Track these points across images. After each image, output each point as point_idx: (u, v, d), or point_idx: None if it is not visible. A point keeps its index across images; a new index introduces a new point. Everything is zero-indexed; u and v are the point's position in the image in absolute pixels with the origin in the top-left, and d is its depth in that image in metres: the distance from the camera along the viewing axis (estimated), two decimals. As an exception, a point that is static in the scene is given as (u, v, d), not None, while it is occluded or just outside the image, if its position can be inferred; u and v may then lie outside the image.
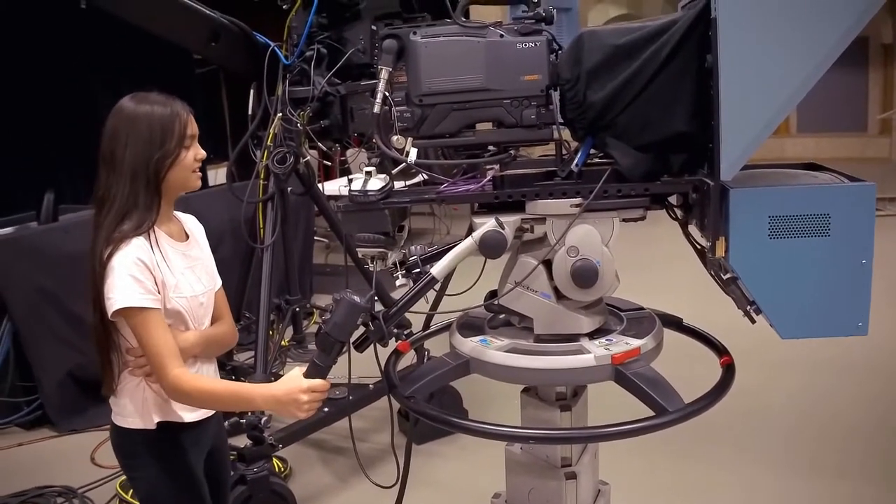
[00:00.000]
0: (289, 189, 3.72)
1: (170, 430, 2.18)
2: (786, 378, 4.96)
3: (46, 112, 8.49)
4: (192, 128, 2.15)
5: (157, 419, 2.16)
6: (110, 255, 2.01)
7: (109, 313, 2.01)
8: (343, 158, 3.88)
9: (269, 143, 3.57)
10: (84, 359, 5.04)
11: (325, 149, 3.69)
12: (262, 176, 3.67)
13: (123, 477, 4.07)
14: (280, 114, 3.40)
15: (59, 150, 8.51)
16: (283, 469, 4.04)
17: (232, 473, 3.41)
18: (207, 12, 3.45)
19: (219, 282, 2.34)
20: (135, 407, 2.17)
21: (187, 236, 2.26)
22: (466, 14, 1.97)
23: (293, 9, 3.39)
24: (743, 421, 4.38)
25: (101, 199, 2.09)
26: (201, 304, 2.21)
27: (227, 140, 10.68)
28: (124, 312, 2.01)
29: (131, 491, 3.93)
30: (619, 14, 16.00)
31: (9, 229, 5.50)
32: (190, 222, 2.31)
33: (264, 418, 3.40)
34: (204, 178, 8.39)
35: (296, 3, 3.36)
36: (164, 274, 2.07)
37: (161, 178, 2.09)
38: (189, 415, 2.20)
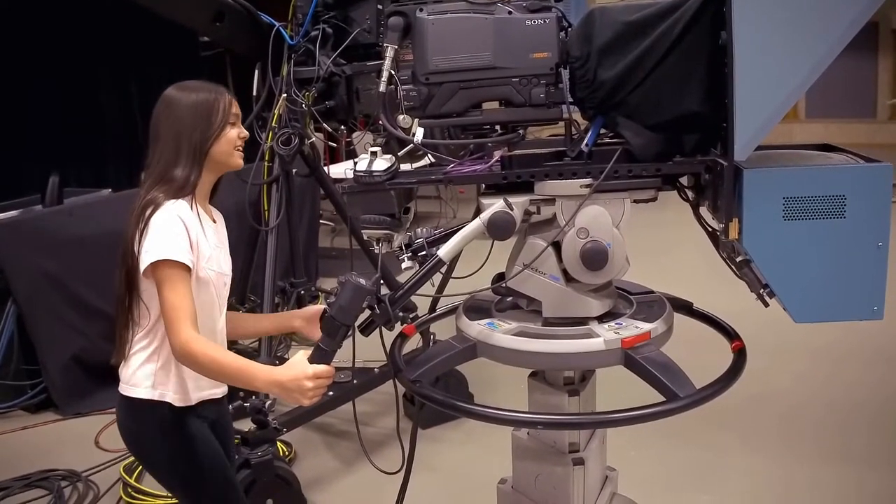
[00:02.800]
0: (294, 171, 3.68)
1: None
2: (792, 362, 4.92)
3: (52, 96, 8.50)
4: (236, 107, 2.24)
5: (167, 397, 2.18)
6: (152, 213, 2.05)
7: (142, 267, 2.03)
8: (349, 140, 3.84)
9: (273, 124, 3.53)
10: (88, 342, 5.05)
11: (330, 130, 3.66)
12: (266, 158, 3.64)
13: (128, 460, 4.08)
14: (284, 94, 3.36)
15: (65, 134, 8.51)
16: (287, 453, 4.03)
17: (236, 457, 3.43)
18: (212, -10, 3.42)
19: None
20: (145, 377, 2.19)
21: (215, 221, 2.30)
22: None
23: (298, -14, 3.35)
24: (750, 406, 4.34)
25: (147, 172, 2.17)
26: (225, 283, 2.27)
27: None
28: (158, 265, 2.01)
29: (135, 474, 3.95)
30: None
31: (14, 212, 5.48)
32: (215, 212, 2.35)
33: (268, 402, 3.38)
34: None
35: (302, -19, 3.33)
36: (199, 242, 2.11)
37: (205, 151, 2.16)
38: (197, 394, 2.22)
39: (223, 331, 2.30)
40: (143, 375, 2.19)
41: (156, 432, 2.21)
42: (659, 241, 5.51)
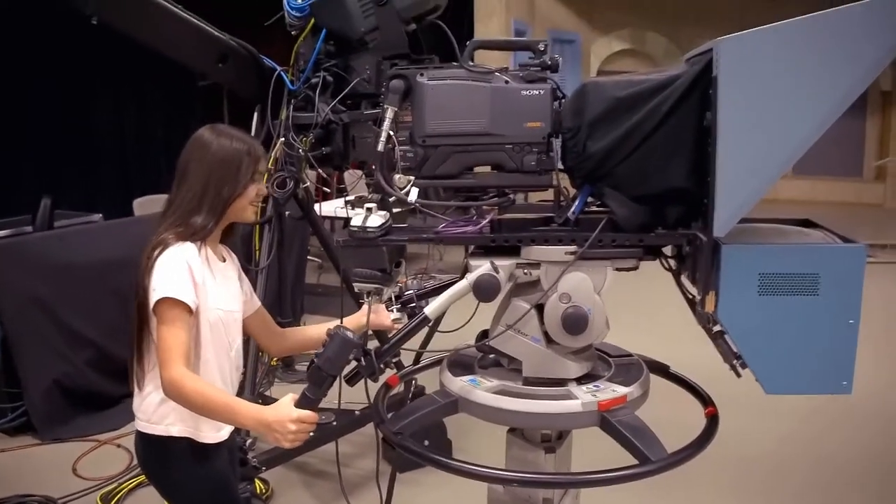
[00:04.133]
0: (287, 213, 3.74)
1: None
2: (774, 424, 4.97)
3: (47, 117, 8.55)
4: (262, 165, 2.31)
5: (195, 435, 2.25)
6: (160, 253, 2.12)
7: (152, 304, 2.09)
8: (340, 180, 3.93)
9: (269, 166, 3.59)
10: (72, 368, 5.06)
11: (325, 175, 3.73)
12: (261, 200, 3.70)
13: (106, 489, 4.10)
14: (282, 138, 3.43)
15: (59, 156, 8.56)
16: (264, 491, 4.04)
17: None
18: (216, 34, 3.49)
19: (257, 301, 2.51)
20: (181, 413, 2.22)
21: (224, 260, 2.37)
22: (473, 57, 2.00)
23: (302, 35, 3.41)
24: (729, 466, 4.39)
25: (168, 210, 2.25)
26: (235, 320, 2.32)
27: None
28: (160, 303, 2.08)
29: (113, 502, 3.96)
30: (623, 48, 16.15)
31: (4, 232, 5.52)
32: (225, 251, 2.42)
33: (249, 440, 3.41)
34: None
35: (305, 30, 3.39)
36: (206, 283, 2.17)
37: (227, 205, 2.23)
38: (227, 429, 2.32)
39: (233, 370, 2.36)
40: (163, 413, 2.24)
41: (180, 469, 2.28)
42: (648, 298, 5.59)
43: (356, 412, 3.94)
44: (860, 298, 1.80)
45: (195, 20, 3.40)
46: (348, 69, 3.40)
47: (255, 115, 3.71)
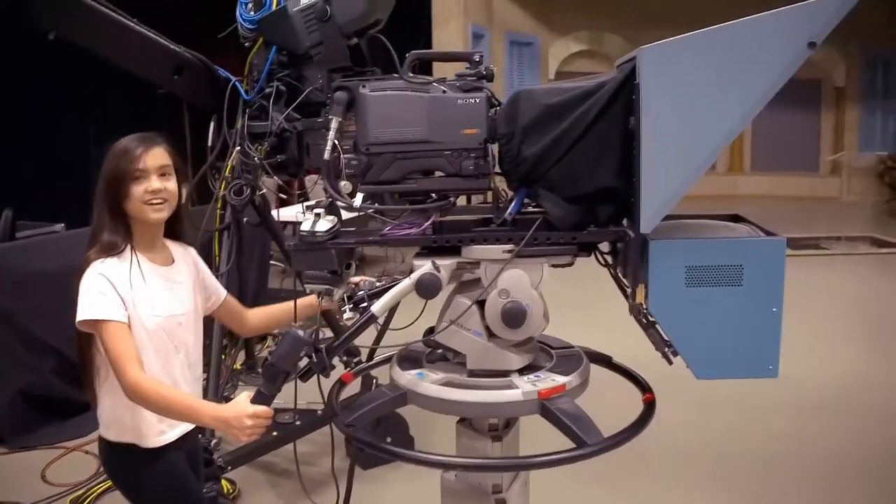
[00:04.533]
0: (245, 219, 3.82)
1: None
2: (716, 413, 5.14)
3: (5, 127, 8.51)
4: (144, 162, 2.28)
5: (133, 439, 2.35)
6: (80, 274, 2.22)
7: (77, 320, 2.20)
8: (300, 185, 4.00)
9: (226, 174, 3.67)
10: (37, 377, 5.11)
11: (281, 182, 3.81)
12: (219, 206, 3.78)
13: (75, 493, 4.15)
14: (238, 147, 3.51)
15: (19, 165, 8.52)
16: (231, 490, 4.11)
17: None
18: (172, 47, 3.57)
19: (221, 293, 2.59)
20: (121, 423, 2.35)
21: (173, 261, 2.43)
22: (419, 69, 2.10)
23: (255, 46, 3.49)
24: (673, 454, 4.55)
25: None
26: (179, 324, 2.38)
27: (188, 161, 10.80)
28: (87, 324, 2.19)
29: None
30: (580, 49, 16.33)
31: (-36, 243, 5.55)
32: (181, 250, 2.49)
33: (214, 440, 3.49)
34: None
35: (258, 41, 3.47)
36: (136, 293, 2.24)
37: (118, 210, 2.28)
38: (172, 432, 2.40)
39: (184, 369, 2.43)
40: (111, 420, 2.36)
41: (130, 471, 2.40)
42: (597, 291, 5.74)
43: (318, 412, 4.03)
44: (782, 288, 1.90)
45: (150, 34, 3.47)
46: (301, 79, 3.48)
47: (212, 124, 3.78)
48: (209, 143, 3.76)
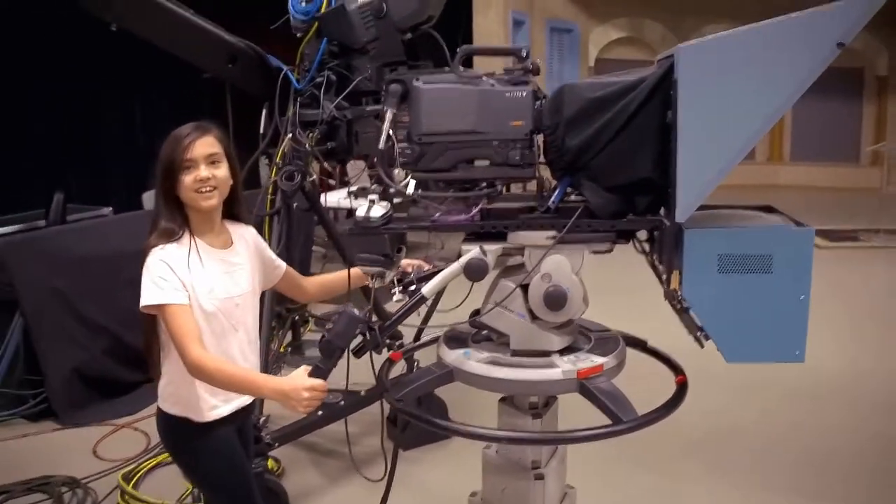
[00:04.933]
0: (294, 205, 3.96)
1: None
2: (752, 400, 5.23)
3: (56, 112, 8.72)
4: (192, 152, 2.39)
5: (187, 413, 2.50)
6: (144, 259, 2.35)
7: (141, 305, 2.33)
8: (344, 172, 4.13)
9: (278, 160, 3.82)
10: (90, 356, 5.31)
11: (329, 169, 3.95)
12: (270, 191, 3.92)
13: (125, 469, 4.32)
14: (290, 134, 3.65)
15: (68, 150, 8.74)
16: (276, 468, 4.26)
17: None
18: (226, 37, 3.72)
19: (282, 266, 2.76)
20: (177, 396, 2.50)
21: (232, 243, 2.55)
22: (466, 63, 2.21)
23: (307, 37, 3.63)
24: (709, 439, 4.65)
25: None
26: (237, 305, 2.51)
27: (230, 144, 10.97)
28: (151, 308, 2.32)
29: (132, 482, 4.19)
30: (620, 36, 16.31)
31: (17, 226, 5.75)
32: (241, 231, 2.61)
33: (263, 418, 3.64)
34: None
35: (309, 32, 3.60)
36: (195, 277, 2.37)
37: (173, 197, 2.41)
38: (225, 408, 2.54)
39: (242, 347, 2.57)
40: (168, 393, 2.52)
41: (184, 442, 2.57)
42: (635, 281, 5.83)
43: (361, 393, 4.17)
44: (810, 276, 1.98)
45: (206, 24, 3.62)
46: (350, 68, 3.62)
47: (264, 112, 3.93)
48: (261, 130, 3.90)
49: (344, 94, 3.49)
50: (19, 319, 5.10)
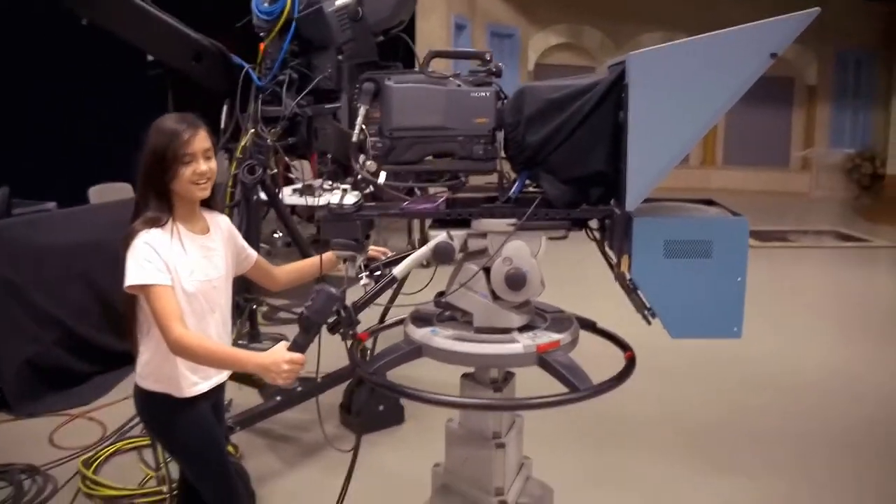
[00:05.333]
0: (254, 197, 4.10)
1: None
2: (684, 387, 5.59)
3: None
4: (192, 146, 2.54)
5: (167, 389, 2.62)
6: (128, 242, 2.48)
7: (125, 285, 2.46)
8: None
9: (238, 154, 3.95)
10: (42, 348, 5.36)
11: (290, 163, 4.10)
12: (230, 184, 4.06)
13: (84, 456, 4.39)
14: (252, 129, 3.79)
15: (13, 144, 8.67)
16: (234, 453, 4.39)
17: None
18: (193, 35, 3.85)
19: (253, 254, 2.88)
20: (158, 374, 2.63)
21: (209, 230, 2.69)
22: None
23: (269, 36, 3.77)
24: (651, 420, 4.92)
25: (135, 197, 2.58)
26: (214, 287, 2.66)
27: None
28: (135, 288, 2.46)
29: (93, 467, 4.27)
30: (560, 42, 16.66)
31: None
32: (216, 218, 2.75)
33: (225, 402, 3.76)
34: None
35: (272, 32, 3.75)
36: (177, 259, 2.51)
37: (166, 189, 2.54)
38: (204, 384, 2.68)
39: (218, 327, 2.71)
40: (148, 371, 2.64)
41: (164, 417, 2.69)
42: (587, 271, 6.09)
43: (318, 379, 4.31)
44: (746, 260, 2.18)
45: (175, 23, 3.75)
46: (311, 67, 3.77)
47: (224, 108, 4.06)
48: (222, 126, 4.02)
49: (306, 91, 3.64)
50: (-30, 311, 5.10)
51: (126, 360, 5.75)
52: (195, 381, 2.67)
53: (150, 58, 10.01)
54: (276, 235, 7.73)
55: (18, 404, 5.17)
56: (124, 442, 4.58)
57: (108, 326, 5.79)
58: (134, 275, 2.45)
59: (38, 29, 8.23)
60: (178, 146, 2.52)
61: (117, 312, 5.69)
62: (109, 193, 7.54)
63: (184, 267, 2.54)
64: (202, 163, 2.56)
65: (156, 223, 2.52)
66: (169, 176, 2.53)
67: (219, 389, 2.83)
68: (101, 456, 4.43)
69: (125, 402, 5.15)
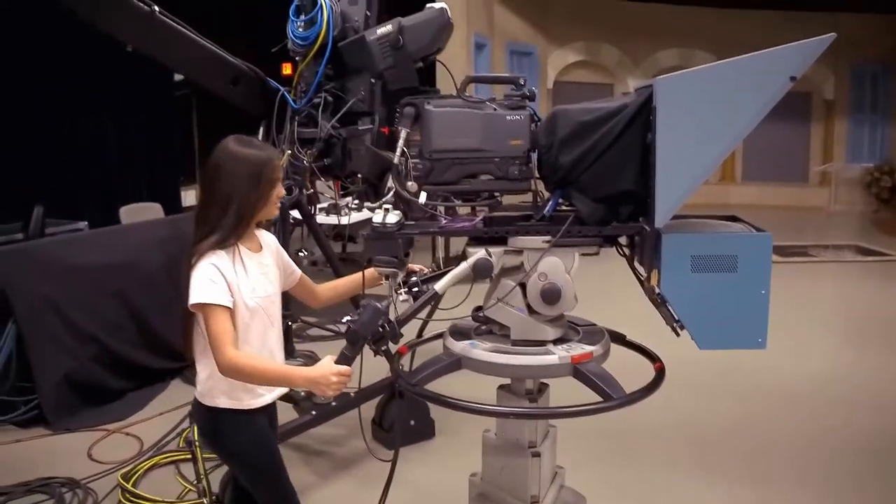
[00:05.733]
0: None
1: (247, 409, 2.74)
2: (713, 398, 5.65)
3: (32, 128, 8.80)
4: (279, 171, 2.68)
5: (236, 405, 2.71)
6: (196, 261, 2.55)
7: (189, 303, 2.54)
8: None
9: (277, 174, 4.07)
10: (79, 364, 5.46)
11: (328, 184, 4.22)
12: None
13: (123, 470, 4.49)
14: (289, 150, 3.92)
15: (44, 165, 8.83)
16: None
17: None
18: (231, 60, 3.99)
19: (297, 273, 2.95)
20: (221, 389, 2.69)
21: (262, 248, 2.78)
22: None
23: (305, 61, 3.91)
24: (677, 436, 4.99)
25: (198, 219, 2.64)
26: (273, 302, 2.76)
27: (196, 161, 11.16)
28: (196, 307, 2.54)
29: (132, 480, 4.39)
30: (578, 59, 16.78)
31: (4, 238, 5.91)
32: (265, 236, 2.85)
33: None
34: (178, 199, 8.88)
35: (307, 56, 3.88)
36: (240, 279, 2.60)
37: (256, 211, 2.64)
38: (269, 396, 2.77)
39: (278, 339, 2.81)
40: (209, 386, 2.72)
41: (227, 432, 2.75)
42: (615, 287, 6.18)
43: (351, 394, 4.42)
44: (769, 273, 2.29)
45: (213, 47, 3.89)
46: (345, 90, 3.90)
47: (261, 130, 4.19)
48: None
49: (341, 113, 3.76)
50: (12, 327, 5.23)
51: (159, 376, 5.99)
52: (260, 393, 2.75)
53: (176, 78, 10.18)
54: (301, 254, 7.85)
55: (56, 419, 5.27)
56: (162, 456, 4.70)
57: (141, 343, 5.94)
58: (198, 294, 2.52)
59: (77, 52, 8.39)
60: (272, 170, 2.63)
61: (150, 330, 5.92)
62: (139, 213, 7.71)
63: (246, 285, 2.63)
64: (280, 185, 2.70)
65: (223, 245, 2.60)
66: (261, 200, 2.63)
67: (274, 404, 2.92)
68: (139, 470, 4.54)
69: (160, 418, 5.31)
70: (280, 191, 2.69)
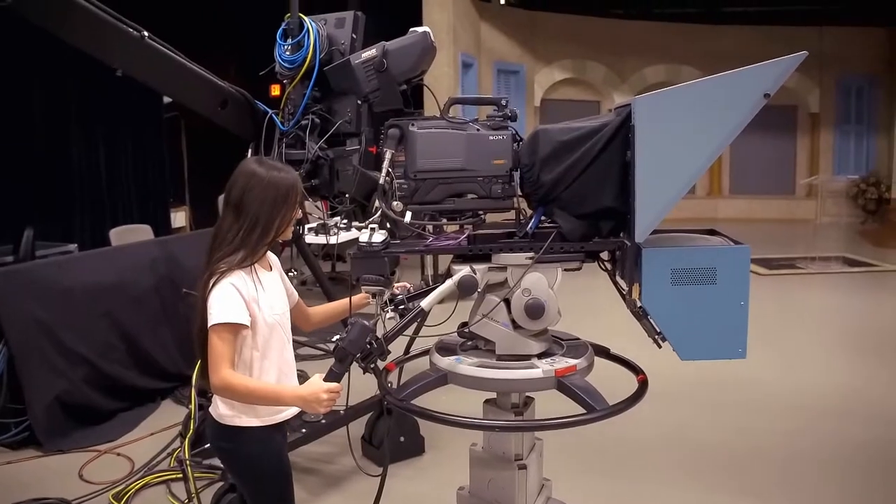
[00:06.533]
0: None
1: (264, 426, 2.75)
2: (701, 413, 5.66)
3: (21, 152, 8.82)
4: (300, 194, 2.72)
5: (257, 422, 2.71)
6: (216, 282, 2.56)
7: (209, 325, 2.53)
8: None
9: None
10: (71, 385, 5.44)
11: (315, 204, 4.27)
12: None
13: (114, 490, 4.52)
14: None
15: (34, 188, 8.84)
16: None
17: (221, 483, 3.96)
18: (220, 83, 4.05)
19: (295, 296, 2.96)
20: (240, 406, 2.69)
21: (271, 267, 2.81)
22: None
23: (292, 83, 3.97)
24: (663, 447, 5.03)
25: (217, 236, 2.64)
26: (287, 318, 2.80)
27: (185, 183, 11.20)
28: (218, 326, 2.53)
29: (123, 500, 4.41)
30: (565, 77, 16.90)
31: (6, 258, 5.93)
32: (272, 258, 2.86)
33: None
34: (167, 221, 8.91)
35: (294, 79, 3.94)
36: (259, 297, 2.62)
37: (279, 231, 2.67)
38: (287, 412, 2.77)
39: (291, 354, 2.83)
40: (227, 405, 2.71)
41: (244, 449, 2.74)
42: (599, 301, 6.22)
43: (340, 412, 4.46)
44: (748, 285, 2.34)
45: (203, 71, 3.95)
46: (332, 111, 3.96)
47: (249, 152, 4.24)
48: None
49: (328, 135, 3.82)
50: (3, 349, 5.23)
51: (150, 396, 6.01)
52: (278, 410, 2.76)
53: (165, 101, 10.23)
54: (291, 274, 7.90)
55: (48, 440, 5.26)
56: (153, 476, 4.71)
57: (132, 364, 5.94)
58: (220, 314, 2.53)
59: (66, 75, 8.42)
60: (296, 193, 2.66)
61: (141, 350, 5.94)
62: (129, 235, 7.73)
63: (265, 302, 2.66)
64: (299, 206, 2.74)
65: (243, 266, 2.61)
66: (285, 221, 2.66)
67: (287, 422, 2.92)
68: (130, 490, 4.55)
69: (151, 438, 5.32)
70: (298, 213, 2.73)
